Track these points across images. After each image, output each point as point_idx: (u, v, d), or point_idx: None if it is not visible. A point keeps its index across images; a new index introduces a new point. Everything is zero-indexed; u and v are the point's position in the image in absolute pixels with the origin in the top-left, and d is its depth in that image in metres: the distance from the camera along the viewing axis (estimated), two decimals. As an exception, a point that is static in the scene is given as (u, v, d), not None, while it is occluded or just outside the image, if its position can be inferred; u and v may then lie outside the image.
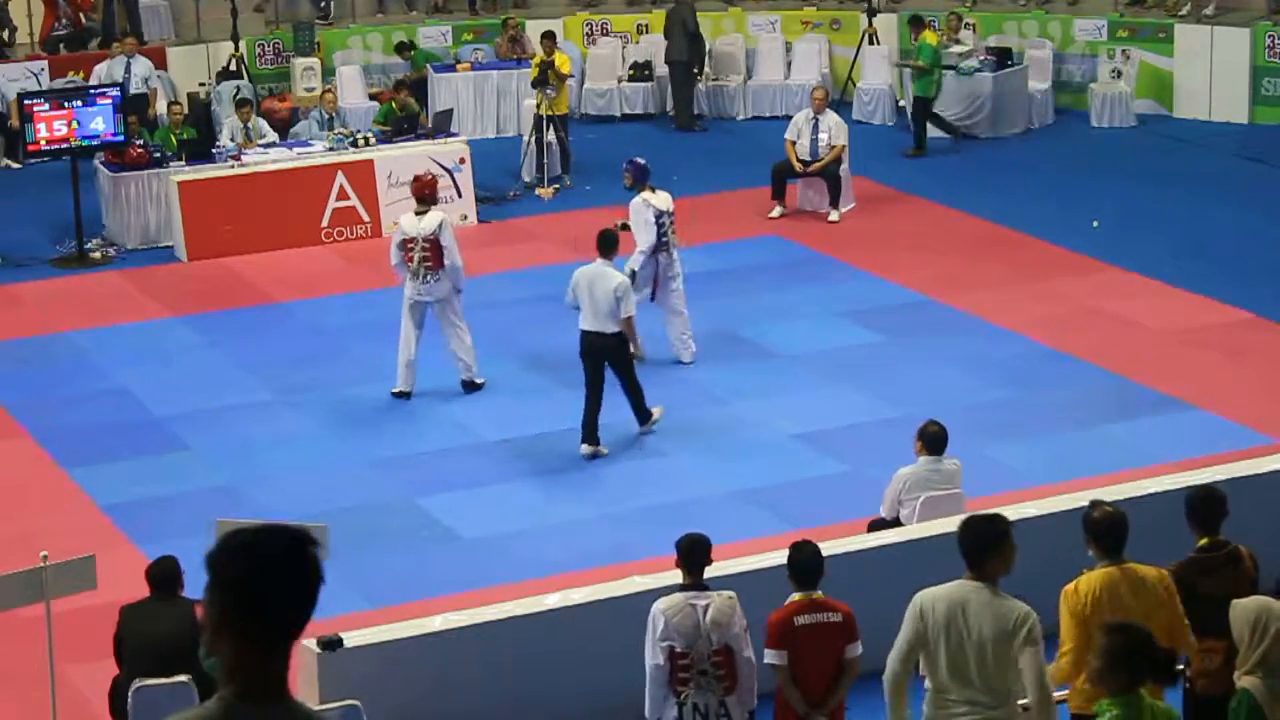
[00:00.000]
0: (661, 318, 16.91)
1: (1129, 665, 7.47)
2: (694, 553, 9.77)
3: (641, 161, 17.21)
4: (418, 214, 16.21)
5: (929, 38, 24.14)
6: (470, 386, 16.48)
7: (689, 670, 9.59)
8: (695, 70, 25.30)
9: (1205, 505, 9.44)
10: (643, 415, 15.50)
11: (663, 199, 16.98)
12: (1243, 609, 8.10)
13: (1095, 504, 9.09)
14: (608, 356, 15.15)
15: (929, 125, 24.07)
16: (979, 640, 8.36)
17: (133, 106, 21.86)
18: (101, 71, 23.20)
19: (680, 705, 9.60)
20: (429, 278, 16.09)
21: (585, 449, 15.25)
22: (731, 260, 17.65)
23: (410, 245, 16.08)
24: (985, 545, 8.44)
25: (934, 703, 8.52)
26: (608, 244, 15.32)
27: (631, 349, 15.24)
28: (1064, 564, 9.26)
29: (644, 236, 16.79)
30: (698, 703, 9.58)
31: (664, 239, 16.80)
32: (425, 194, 16.35)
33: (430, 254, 16.03)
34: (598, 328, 15.03)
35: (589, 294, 14.99)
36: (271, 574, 3.88)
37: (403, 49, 25.50)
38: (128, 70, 23.21)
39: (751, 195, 21.42)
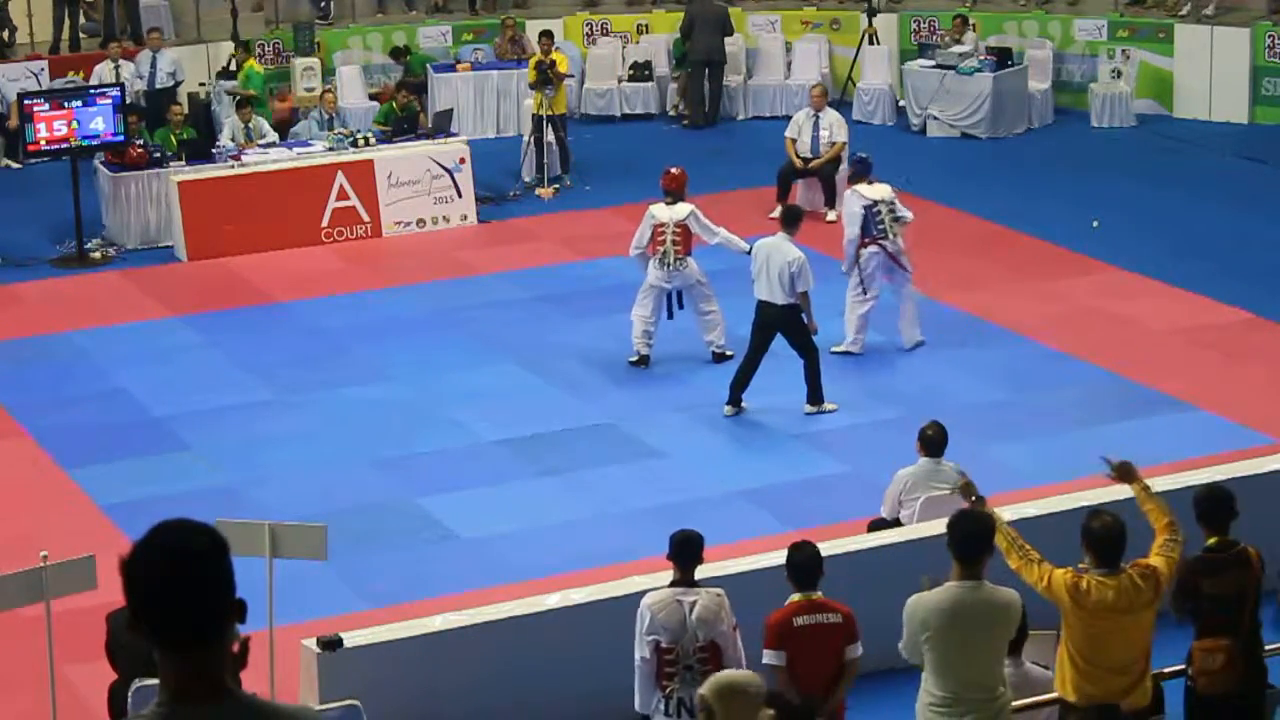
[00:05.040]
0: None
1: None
2: (685, 549, 9.83)
3: (863, 155, 17.77)
4: (668, 204, 16.82)
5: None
6: (720, 358, 16.89)
7: (674, 665, 9.66)
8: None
9: (1212, 504, 9.44)
10: (816, 396, 15.81)
11: (878, 190, 17.22)
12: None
13: (1095, 514, 9.00)
14: (780, 327, 15.67)
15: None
16: (983, 639, 8.39)
17: (158, 100, 22.46)
18: (120, 68, 23.09)
19: (666, 700, 9.67)
20: (676, 264, 16.66)
21: (727, 409, 15.81)
22: (732, 260, 17.62)
23: (661, 231, 16.65)
24: (982, 541, 8.47)
25: (942, 707, 8.49)
26: (791, 219, 15.95)
27: (806, 321, 15.67)
28: (1063, 564, 9.26)
29: (849, 229, 17.19)
30: (683, 698, 9.62)
31: (879, 227, 16.98)
32: (673, 187, 16.94)
33: (680, 239, 16.66)
34: (769, 298, 15.64)
35: (765, 264, 15.60)
36: (150, 581, 3.83)
37: (398, 54, 25.50)
38: (153, 65, 23.45)
39: (752, 195, 21.42)
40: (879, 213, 17.05)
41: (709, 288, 16.88)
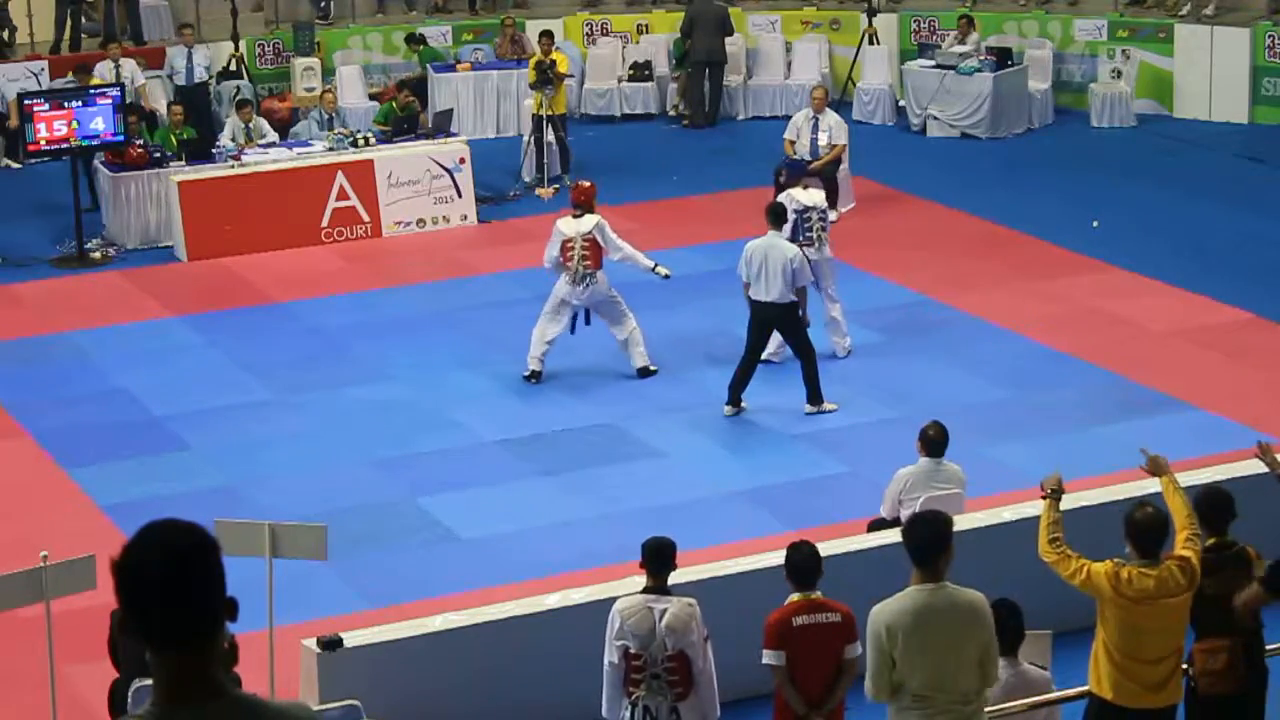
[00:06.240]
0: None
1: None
2: (658, 556, 9.80)
3: (797, 159, 18.02)
4: (575, 217, 16.63)
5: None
6: (645, 373, 16.70)
7: (641, 672, 9.64)
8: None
9: (1213, 505, 9.46)
10: (815, 395, 15.78)
11: (812, 196, 17.18)
12: None
13: (1139, 504, 9.10)
14: (779, 325, 15.72)
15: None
16: (950, 642, 8.34)
17: (192, 95, 23.01)
18: (120, 68, 23.03)
19: (632, 706, 9.66)
20: (588, 279, 16.44)
21: (727, 409, 15.76)
22: (731, 260, 17.60)
23: (569, 246, 16.44)
24: (939, 544, 8.41)
25: (913, 712, 8.45)
26: (776, 216, 15.87)
27: (801, 315, 15.73)
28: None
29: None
30: (649, 705, 9.61)
31: (808, 234, 16.87)
32: (581, 200, 16.74)
33: (589, 253, 16.43)
34: (770, 298, 15.55)
35: (763, 265, 15.51)
36: (140, 582, 3.82)
37: (413, 41, 25.47)
38: (189, 60, 23.69)
39: (751, 195, 21.34)
40: (810, 219, 16.99)
41: (622, 303, 16.67)
